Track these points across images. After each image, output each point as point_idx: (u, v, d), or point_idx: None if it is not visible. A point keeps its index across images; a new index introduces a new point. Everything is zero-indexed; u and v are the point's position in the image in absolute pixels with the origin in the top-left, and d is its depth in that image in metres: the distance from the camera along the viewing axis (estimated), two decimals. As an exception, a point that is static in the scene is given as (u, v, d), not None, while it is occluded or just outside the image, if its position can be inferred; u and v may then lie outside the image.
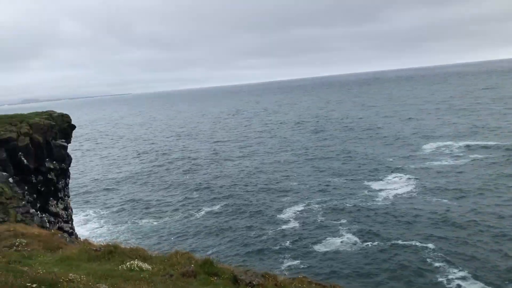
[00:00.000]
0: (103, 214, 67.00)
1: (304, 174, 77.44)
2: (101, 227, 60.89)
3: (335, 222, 51.68)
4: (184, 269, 11.64)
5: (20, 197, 41.86)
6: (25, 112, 51.49)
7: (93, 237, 55.75)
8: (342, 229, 49.11)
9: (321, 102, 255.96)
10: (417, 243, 43.19)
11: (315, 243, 46.23)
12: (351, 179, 70.65)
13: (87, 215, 66.83)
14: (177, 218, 60.76)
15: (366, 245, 44.24)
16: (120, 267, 11.04)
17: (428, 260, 39.50)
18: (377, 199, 59.09)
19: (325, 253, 43.43)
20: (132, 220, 62.39)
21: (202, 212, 61.59)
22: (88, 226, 62.02)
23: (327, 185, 68.26)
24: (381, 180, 68.37)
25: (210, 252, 46.66)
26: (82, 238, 44.70)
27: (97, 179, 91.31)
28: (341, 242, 45.64)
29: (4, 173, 42.87)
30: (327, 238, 46.94)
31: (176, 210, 64.40)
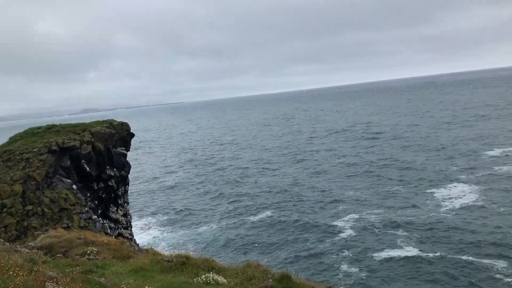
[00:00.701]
0: (160, 220, 68.18)
1: (358, 182, 75.39)
2: (160, 234, 61.95)
3: (393, 233, 49.65)
4: (263, 284, 11.05)
5: (83, 204, 43.17)
6: (86, 121, 53.29)
7: (151, 243, 56.65)
8: (402, 241, 46.99)
9: (373, 108, 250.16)
10: (485, 260, 40.42)
11: (373, 253, 44.55)
12: (411, 189, 67.91)
13: (143, 221, 68.22)
14: (231, 226, 60.70)
15: (427, 259, 41.97)
16: (195, 279, 10.65)
17: (497, 276, 36.88)
18: (439, 210, 56.31)
19: (384, 264, 41.68)
20: (188, 227, 63.02)
21: (256, 220, 61.18)
22: (146, 232, 63.24)
23: (384, 195, 66.01)
24: (443, 189, 65.23)
25: (266, 260, 46.06)
26: (142, 245, 45.50)
27: (152, 186, 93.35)
28: (401, 254, 43.61)
29: (68, 180, 44.41)
30: (385, 250, 45.07)
31: (230, 217, 64.41)
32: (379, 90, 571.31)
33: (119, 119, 55.52)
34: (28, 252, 12.58)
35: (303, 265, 43.37)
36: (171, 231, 62.46)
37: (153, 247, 15.61)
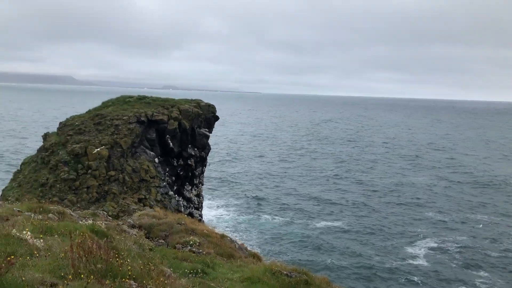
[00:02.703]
0: (227, 203, 68.12)
1: (442, 201, 70.40)
2: (226, 215, 62.07)
3: (474, 272, 44.98)
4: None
5: (162, 178, 43.29)
6: (169, 97, 53.30)
7: (216, 224, 56.37)
8: (483, 285, 42.38)
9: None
10: None
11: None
12: (501, 216, 62.12)
13: (211, 201, 68.63)
14: (297, 222, 58.93)
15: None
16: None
17: None
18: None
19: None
20: (255, 214, 62.25)
21: (322, 225, 58.85)
22: (213, 212, 63.44)
23: (467, 220, 60.95)
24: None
25: (326, 270, 43.83)
26: (208, 222, 45.28)
27: (225, 170, 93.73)
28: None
29: (152, 153, 44.77)
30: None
31: (297, 214, 62.61)
32: (469, 111, 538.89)
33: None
34: (135, 235, 11.67)
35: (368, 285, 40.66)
36: (236, 214, 62.28)
37: (249, 247, 14.22)
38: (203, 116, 51.01)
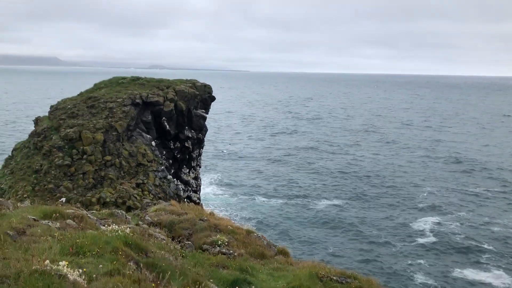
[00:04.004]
0: (222, 181, 67.51)
1: (442, 180, 70.16)
2: (221, 194, 61.58)
3: (478, 248, 44.79)
4: None
5: (160, 162, 42.07)
6: (155, 77, 51.47)
7: (212, 205, 55.62)
8: (487, 260, 42.22)
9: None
10: None
11: (452, 267, 40.29)
12: (497, 195, 62.09)
13: (209, 180, 67.97)
14: (297, 203, 58.34)
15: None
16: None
17: None
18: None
19: (465, 284, 37.43)
20: (249, 195, 61.68)
21: (324, 204, 58.33)
22: (205, 187, 62.82)
23: (470, 197, 60.81)
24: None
25: (331, 251, 43.35)
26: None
27: (220, 149, 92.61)
28: (486, 278, 38.87)
29: (148, 136, 43.42)
30: (468, 268, 40.54)
31: (297, 194, 61.98)
32: (457, 86, 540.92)
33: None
34: (163, 239, 10.56)
35: (373, 268, 40.18)
36: (230, 194, 61.72)
37: (278, 244, 13.18)
38: (199, 97, 49.58)
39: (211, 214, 14.73)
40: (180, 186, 42.87)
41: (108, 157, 39.25)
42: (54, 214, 9.35)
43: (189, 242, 11.62)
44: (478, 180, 70.25)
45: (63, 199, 36.35)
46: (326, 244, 45.32)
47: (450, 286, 36.46)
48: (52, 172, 37.23)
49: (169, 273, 6.36)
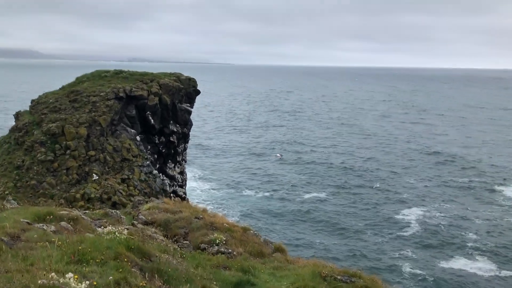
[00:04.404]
0: (207, 176, 67.19)
1: (423, 172, 70.96)
2: (206, 189, 61.32)
3: (462, 236, 45.69)
4: None
5: (145, 157, 41.51)
6: (129, 70, 50.31)
7: (199, 200, 55.29)
8: (471, 247, 43.01)
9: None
10: None
11: (438, 257, 40.86)
12: (477, 185, 63.09)
13: (193, 174, 67.51)
14: (280, 197, 58.40)
15: (502, 275, 37.85)
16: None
17: None
18: None
19: (452, 272, 37.99)
20: (236, 189, 61.54)
21: (308, 197, 58.48)
22: (193, 183, 62.51)
23: (451, 189, 61.71)
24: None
25: (318, 247, 43.49)
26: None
27: (204, 144, 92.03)
28: (470, 264, 39.57)
29: (133, 130, 42.77)
30: (454, 256, 41.26)
31: (281, 188, 62.01)
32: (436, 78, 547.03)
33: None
34: (162, 240, 10.23)
35: (360, 261, 40.40)
36: (215, 188, 61.56)
37: (288, 254, 12.94)
38: (183, 91, 48.95)
39: (204, 210, 14.46)
40: (166, 181, 42.39)
41: (92, 152, 38.54)
42: (47, 216, 8.95)
43: (187, 242, 11.35)
44: (458, 171, 71.32)
45: (96, 177, 35.78)
46: (312, 238, 45.48)
47: (437, 276, 36.98)
48: (35, 168, 36.38)
49: (176, 279, 6.11)
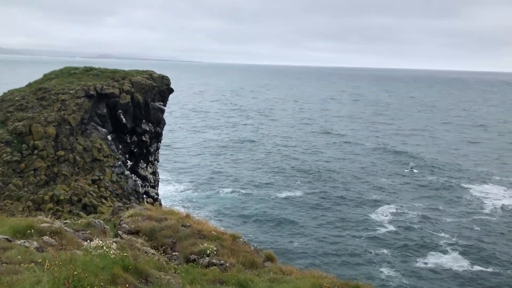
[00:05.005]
0: (180, 178, 65.98)
1: (392, 171, 72.00)
2: (180, 191, 60.13)
3: (435, 233, 46.58)
4: None
5: (117, 157, 40.35)
6: (102, 67, 48.73)
7: (168, 197, 54.41)
8: (445, 244, 43.95)
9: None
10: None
11: (413, 256, 41.43)
12: (452, 184, 64.51)
13: (165, 177, 66.02)
14: (257, 197, 58.02)
15: (475, 270, 38.88)
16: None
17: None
18: (482, 210, 53.49)
19: (428, 270, 38.62)
20: (211, 189, 60.78)
21: (284, 196, 58.36)
22: (167, 187, 61.21)
23: (421, 188, 62.79)
24: (484, 185, 62.61)
25: (295, 245, 43.34)
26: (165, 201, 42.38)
27: (179, 146, 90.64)
28: (445, 260, 40.47)
29: (104, 130, 41.49)
30: (430, 252, 42.02)
31: (258, 188, 61.64)
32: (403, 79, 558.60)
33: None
34: (152, 253, 9.51)
35: (334, 262, 40.47)
36: (193, 190, 60.61)
37: (282, 263, 12.43)
38: (156, 89, 47.86)
39: (188, 216, 13.82)
40: (138, 182, 41.28)
41: (61, 152, 37.09)
42: (28, 230, 8.12)
43: (176, 253, 10.71)
44: (426, 172, 72.56)
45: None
46: (288, 240, 45.27)
47: (413, 275, 37.39)
48: (0, 168, 34.68)
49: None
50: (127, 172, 40.14)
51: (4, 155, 35.04)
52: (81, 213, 34.69)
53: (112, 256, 6.66)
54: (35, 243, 7.44)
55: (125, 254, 7.12)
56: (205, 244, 11.01)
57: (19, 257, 6.46)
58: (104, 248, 7.26)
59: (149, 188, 46.82)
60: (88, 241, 8.12)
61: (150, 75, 48.71)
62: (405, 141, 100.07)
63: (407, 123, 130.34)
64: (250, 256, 11.55)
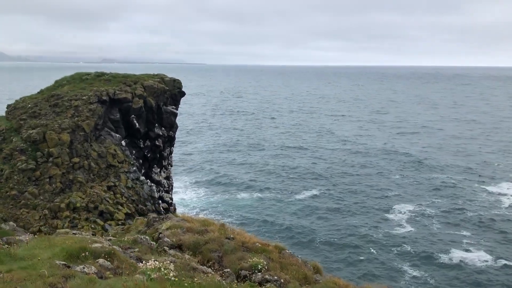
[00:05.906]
0: (196, 184, 65.47)
1: (404, 171, 71.16)
2: (196, 198, 59.61)
3: (456, 232, 45.83)
4: None
5: (131, 162, 39.92)
6: (108, 72, 48.23)
7: (186, 207, 53.96)
8: (467, 242, 43.20)
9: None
10: None
11: (437, 254, 40.65)
12: (465, 180, 63.63)
13: (181, 183, 65.56)
14: (272, 199, 57.47)
15: (499, 265, 38.11)
16: None
17: None
18: (500, 206, 52.82)
19: (452, 269, 37.88)
20: (227, 193, 60.32)
21: (301, 197, 57.78)
22: (182, 195, 60.73)
23: (439, 186, 61.98)
24: (498, 182, 61.85)
25: (323, 254, 42.76)
26: (181, 208, 41.20)
27: (191, 151, 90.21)
28: (469, 258, 39.72)
29: (117, 135, 41.08)
30: (451, 250, 41.26)
31: (273, 191, 61.06)
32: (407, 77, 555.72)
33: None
34: (212, 274, 8.91)
35: (360, 266, 39.81)
36: (209, 195, 60.15)
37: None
38: (168, 93, 47.40)
39: (222, 225, 13.27)
40: (154, 188, 40.84)
41: (76, 159, 36.70)
42: (81, 254, 7.58)
43: (228, 270, 10.12)
44: (437, 170, 71.51)
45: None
46: (313, 238, 44.94)
47: (436, 272, 36.78)
48: (15, 177, 34.31)
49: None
50: (142, 178, 39.70)
51: (19, 163, 34.69)
52: (98, 220, 34.31)
53: (175, 279, 6.14)
54: (93, 267, 6.92)
55: (198, 281, 6.56)
56: (254, 259, 10.43)
57: (79, 284, 5.92)
58: (162, 270, 6.71)
59: (163, 193, 46.35)
60: (144, 262, 7.59)
61: (161, 78, 48.28)
62: (413, 140, 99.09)
63: (415, 121, 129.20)
64: (301, 270, 10.97)
